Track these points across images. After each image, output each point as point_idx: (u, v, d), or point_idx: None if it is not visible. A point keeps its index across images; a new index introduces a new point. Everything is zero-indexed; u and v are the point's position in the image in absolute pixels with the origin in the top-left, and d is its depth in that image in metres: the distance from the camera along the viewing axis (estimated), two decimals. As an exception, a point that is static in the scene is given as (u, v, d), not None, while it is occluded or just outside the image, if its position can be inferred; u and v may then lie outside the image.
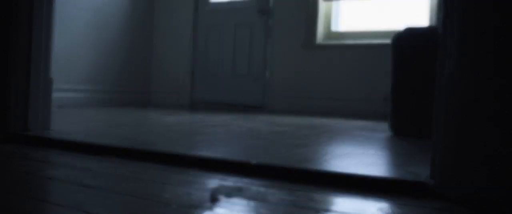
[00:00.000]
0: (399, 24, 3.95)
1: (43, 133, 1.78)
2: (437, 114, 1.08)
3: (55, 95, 3.06)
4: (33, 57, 1.82)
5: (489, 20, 0.99)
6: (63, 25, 3.65)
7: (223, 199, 0.94)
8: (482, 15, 0.98)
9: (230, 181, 1.11)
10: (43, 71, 1.88)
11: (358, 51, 3.97)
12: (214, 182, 1.11)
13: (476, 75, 0.98)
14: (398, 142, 2.01)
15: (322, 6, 4.23)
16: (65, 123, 2.25)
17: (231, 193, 1.00)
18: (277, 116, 3.64)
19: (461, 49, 0.99)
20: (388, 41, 3.49)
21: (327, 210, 0.90)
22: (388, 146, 1.88)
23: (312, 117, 3.55)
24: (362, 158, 1.44)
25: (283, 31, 4.37)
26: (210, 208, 0.87)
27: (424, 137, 2.12)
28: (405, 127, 2.26)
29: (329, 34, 4.28)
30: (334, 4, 4.29)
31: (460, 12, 1.01)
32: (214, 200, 0.93)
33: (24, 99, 1.82)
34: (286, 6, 4.36)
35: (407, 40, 2.27)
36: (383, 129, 2.58)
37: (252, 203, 0.92)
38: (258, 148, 1.74)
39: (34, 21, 1.82)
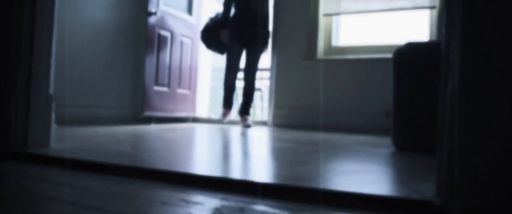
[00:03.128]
0: (399, 38, 3.97)
1: (43, 150, 1.77)
2: (441, 131, 1.07)
3: (56, 110, 3.05)
4: (33, 74, 1.82)
5: (492, 35, 0.98)
6: (64, 41, 3.66)
7: (224, 220, 0.92)
8: (484, 31, 0.97)
9: (231, 201, 1.09)
10: (43, 87, 1.87)
11: (359, 66, 3.97)
12: (215, 202, 1.09)
13: (480, 92, 0.96)
14: (401, 158, 1.98)
15: (322, 21, 4.24)
16: (64, 140, 2.23)
17: (233, 213, 0.98)
18: (278, 131, 3.62)
19: (464, 66, 0.98)
20: (388, 55, 3.50)
21: (331, 231, 0.87)
22: (391, 162, 1.86)
23: (313, 132, 3.53)
24: (365, 175, 1.41)
25: (284, 46, 4.38)
26: (211, 230, 0.85)
27: (428, 152, 2.09)
28: (408, 142, 2.24)
29: (330, 49, 4.29)
30: (334, 19, 4.31)
31: (462, 27, 1.00)
32: (215, 221, 0.91)
33: (24, 116, 1.81)
34: (287, 21, 4.38)
35: (408, 55, 2.27)
36: (385, 144, 2.56)
37: (254, 224, 0.90)
38: (260, 165, 1.72)
39: (35, 37, 1.82)
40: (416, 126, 2.21)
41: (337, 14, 4.20)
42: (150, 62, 4.18)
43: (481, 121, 0.96)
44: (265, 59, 4.81)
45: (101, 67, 4.32)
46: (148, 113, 4.16)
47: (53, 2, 1.87)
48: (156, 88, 4.25)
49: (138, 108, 4.51)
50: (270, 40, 4.30)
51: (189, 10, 4.74)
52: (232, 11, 4.19)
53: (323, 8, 4.21)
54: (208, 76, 5.38)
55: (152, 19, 4.17)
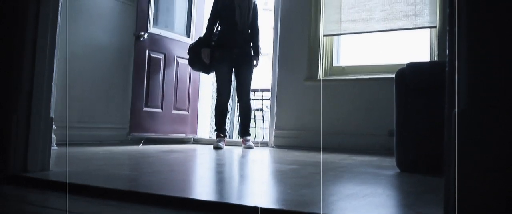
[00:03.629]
0: (400, 58, 3.97)
1: (42, 174, 1.74)
2: (448, 154, 1.04)
3: (56, 132, 3.03)
4: (34, 97, 1.81)
5: (500, 56, 0.97)
6: (66, 63, 3.68)
7: (227, 248, 0.89)
8: (492, 52, 0.96)
9: (234, 227, 1.06)
10: (44, 110, 1.85)
11: (361, 86, 3.97)
12: (217, 227, 1.06)
13: (489, 114, 0.95)
14: (406, 179, 1.95)
15: (323, 42, 4.26)
16: (64, 163, 2.21)
17: (235, 240, 0.95)
18: (280, 152, 3.59)
19: (471, 87, 0.96)
20: (390, 75, 3.49)
21: (338, 260, 0.84)
22: (396, 184, 1.83)
23: (316, 153, 3.50)
24: (371, 198, 1.38)
25: (285, 66, 4.39)
26: (214, 259, 0.82)
27: (432, 173, 2.07)
28: (412, 163, 2.21)
29: (331, 69, 4.30)
30: (335, 39, 4.33)
31: (468, 48, 0.99)
32: (217, 249, 0.88)
33: (24, 140, 1.79)
34: (288, 42, 4.40)
35: (410, 75, 2.26)
36: (389, 165, 2.53)
37: (258, 252, 0.87)
38: (262, 189, 1.69)
39: (37, 60, 1.81)
40: (420, 146, 2.18)
41: (338, 34, 4.22)
42: (139, 83, 4.17)
43: (491, 143, 0.94)
44: (266, 79, 4.79)
45: (102, 89, 4.33)
46: (136, 134, 4.14)
47: (55, 26, 1.88)
48: (147, 109, 4.23)
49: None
50: (259, 57, 4.09)
51: (188, 33, 4.75)
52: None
53: (323, 29, 4.23)
54: (210, 97, 5.37)
55: (141, 42, 4.19)
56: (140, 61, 4.18)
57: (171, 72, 4.49)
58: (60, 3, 1.90)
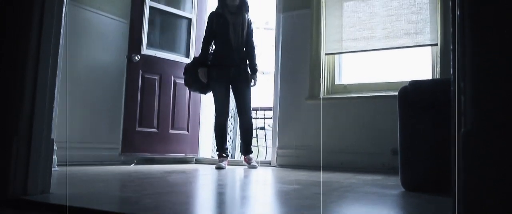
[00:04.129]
0: (403, 75, 3.97)
1: (42, 197, 1.72)
2: (455, 175, 1.02)
3: (57, 153, 3.02)
4: (35, 119, 1.80)
5: (503, 72, 0.95)
6: (69, 82, 3.68)
7: None
8: (497, 70, 0.95)
9: (237, 252, 1.04)
10: (45, 132, 1.84)
11: (363, 104, 3.96)
12: (220, 253, 1.03)
13: (496, 134, 0.93)
14: (412, 200, 1.92)
15: (325, 60, 4.27)
16: (65, 185, 2.19)
17: None
18: (283, 171, 3.55)
19: (478, 108, 0.95)
20: (392, 93, 3.49)
21: None
22: (402, 205, 1.80)
23: (318, 172, 3.46)
24: (377, 220, 1.35)
25: (287, 85, 4.39)
26: None
27: (437, 192, 2.03)
28: (417, 182, 2.18)
29: (333, 87, 4.29)
30: (336, 57, 4.33)
31: (473, 68, 0.98)
32: None
33: (25, 162, 1.77)
34: (289, 61, 4.42)
35: (413, 93, 2.25)
36: (394, 184, 2.49)
37: None
38: (266, 210, 1.66)
39: (38, 82, 1.81)
40: (425, 165, 2.15)
41: (339, 53, 4.23)
42: (131, 104, 4.18)
43: (498, 163, 0.92)
44: (268, 98, 4.78)
45: (102, 108, 4.33)
46: (129, 154, 4.13)
47: (57, 47, 1.88)
48: (140, 129, 4.23)
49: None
50: (256, 76, 4.08)
51: (187, 54, 4.76)
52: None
53: (325, 48, 4.24)
54: (212, 117, 5.36)
55: (133, 63, 4.21)
56: (133, 82, 4.21)
57: (168, 92, 4.49)
58: (62, 24, 1.91)
